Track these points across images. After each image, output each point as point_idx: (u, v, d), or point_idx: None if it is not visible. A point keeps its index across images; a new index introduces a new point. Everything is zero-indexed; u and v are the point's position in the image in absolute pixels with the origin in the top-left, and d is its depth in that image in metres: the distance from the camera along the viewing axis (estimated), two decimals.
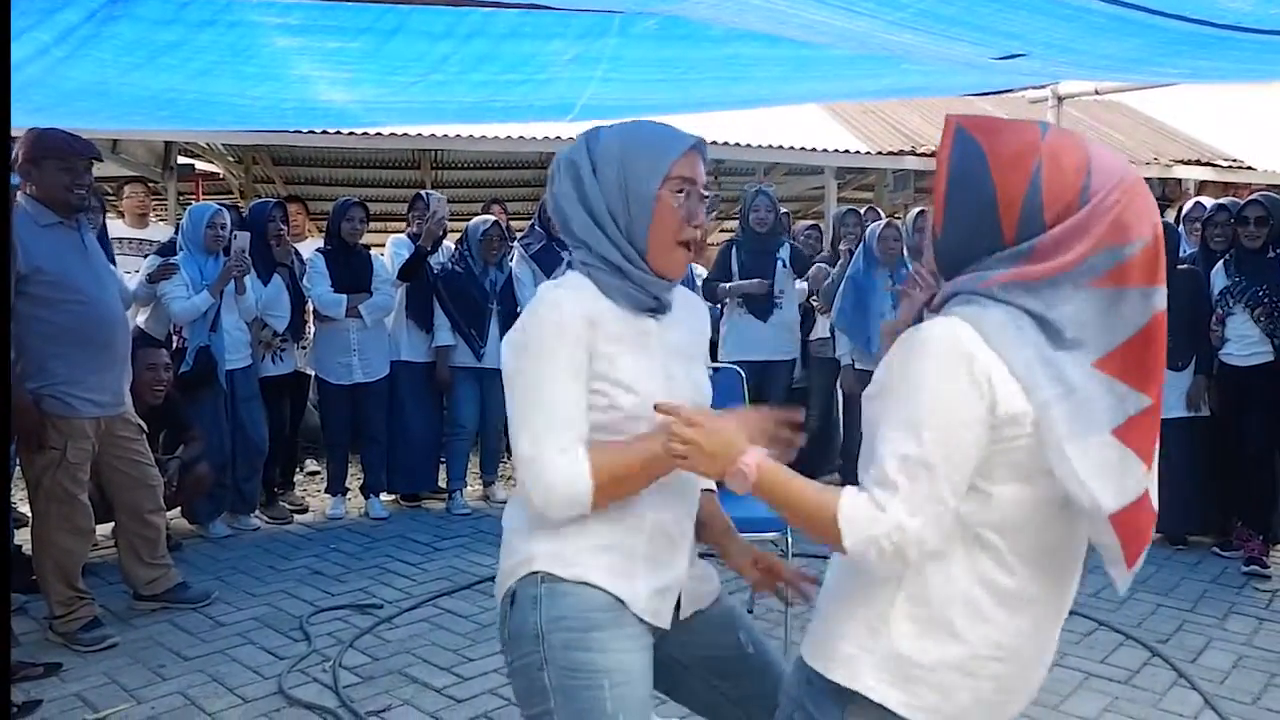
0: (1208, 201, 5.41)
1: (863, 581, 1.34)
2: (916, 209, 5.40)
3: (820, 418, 5.60)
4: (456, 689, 3.12)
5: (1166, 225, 4.68)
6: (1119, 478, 1.24)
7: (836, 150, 8.48)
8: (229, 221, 4.72)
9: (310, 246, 5.60)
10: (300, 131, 6.96)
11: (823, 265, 5.70)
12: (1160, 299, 1.26)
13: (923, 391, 1.24)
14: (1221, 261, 4.61)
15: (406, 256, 5.18)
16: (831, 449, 5.73)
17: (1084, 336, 1.23)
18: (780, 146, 8.37)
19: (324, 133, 7.10)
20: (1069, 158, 1.26)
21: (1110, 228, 1.23)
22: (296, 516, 5.22)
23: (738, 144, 8.17)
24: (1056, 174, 1.25)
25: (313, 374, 5.40)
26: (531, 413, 1.51)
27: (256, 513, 5.02)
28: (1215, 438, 4.56)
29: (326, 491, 5.39)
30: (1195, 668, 3.34)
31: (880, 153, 8.62)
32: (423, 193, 5.41)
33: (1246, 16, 2.80)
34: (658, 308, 1.59)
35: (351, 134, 7.36)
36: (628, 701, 1.52)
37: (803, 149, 8.41)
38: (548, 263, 5.30)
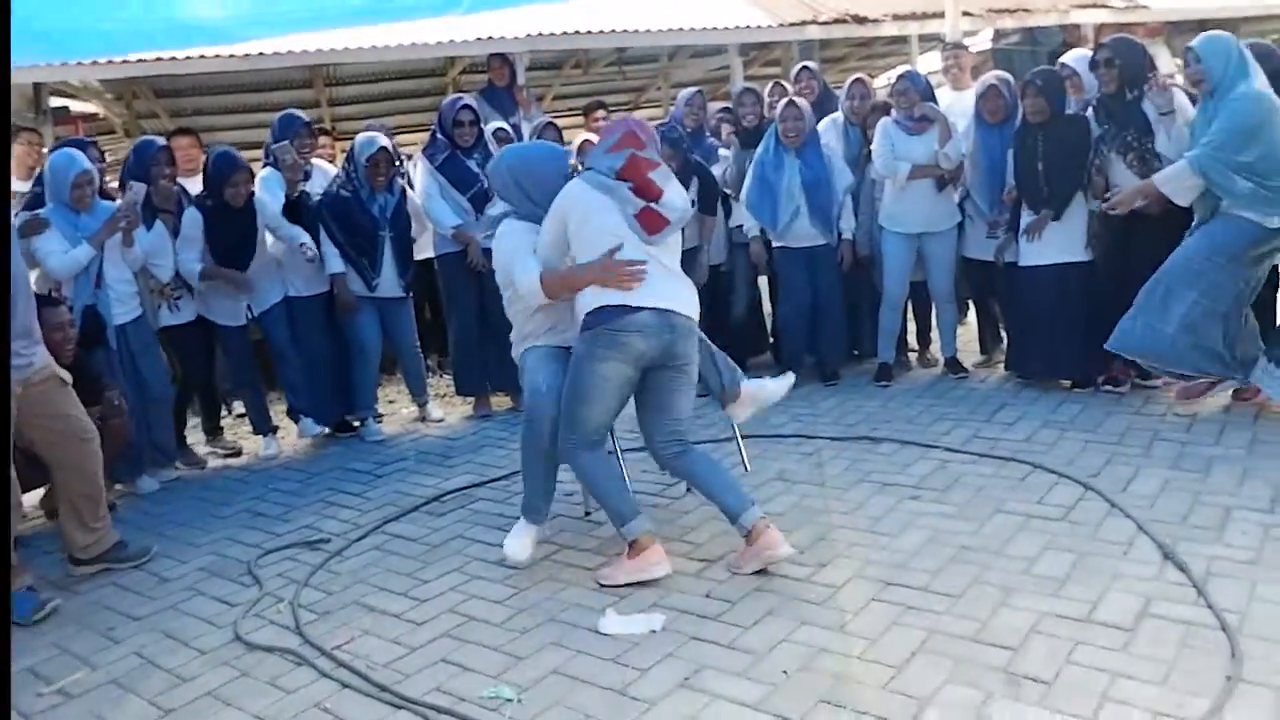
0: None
1: None
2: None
3: (746, 301, 5.59)
4: (415, 612, 3.11)
5: (1049, 74, 4.69)
6: None
7: (737, 27, 8.28)
8: (95, 176, 4.42)
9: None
10: (178, 58, 6.55)
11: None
12: None
13: None
14: (1090, 110, 4.63)
15: (277, 194, 4.91)
16: (762, 332, 5.76)
17: None
18: (679, 29, 8.14)
19: (204, 58, 6.69)
20: None
21: None
22: (231, 460, 5.11)
23: (636, 30, 7.92)
24: None
25: None
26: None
27: (176, 464, 4.89)
28: (1108, 280, 4.63)
29: (254, 433, 5.27)
30: (1126, 496, 3.47)
31: (781, 24, 8.45)
32: (276, 146, 4.99)
33: None
34: None
35: (234, 57, 6.94)
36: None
37: (703, 29, 8.19)
38: (453, 173, 5.11)
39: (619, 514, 3.21)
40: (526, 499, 3.45)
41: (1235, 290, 4.09)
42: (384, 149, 4.97)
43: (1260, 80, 3.98)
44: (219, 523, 4.15)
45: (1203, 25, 9.86)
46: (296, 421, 5.20)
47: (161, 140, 4.95)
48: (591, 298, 3.14)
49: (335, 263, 4.99)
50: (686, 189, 5.04)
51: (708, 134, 5.86)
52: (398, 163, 5.25)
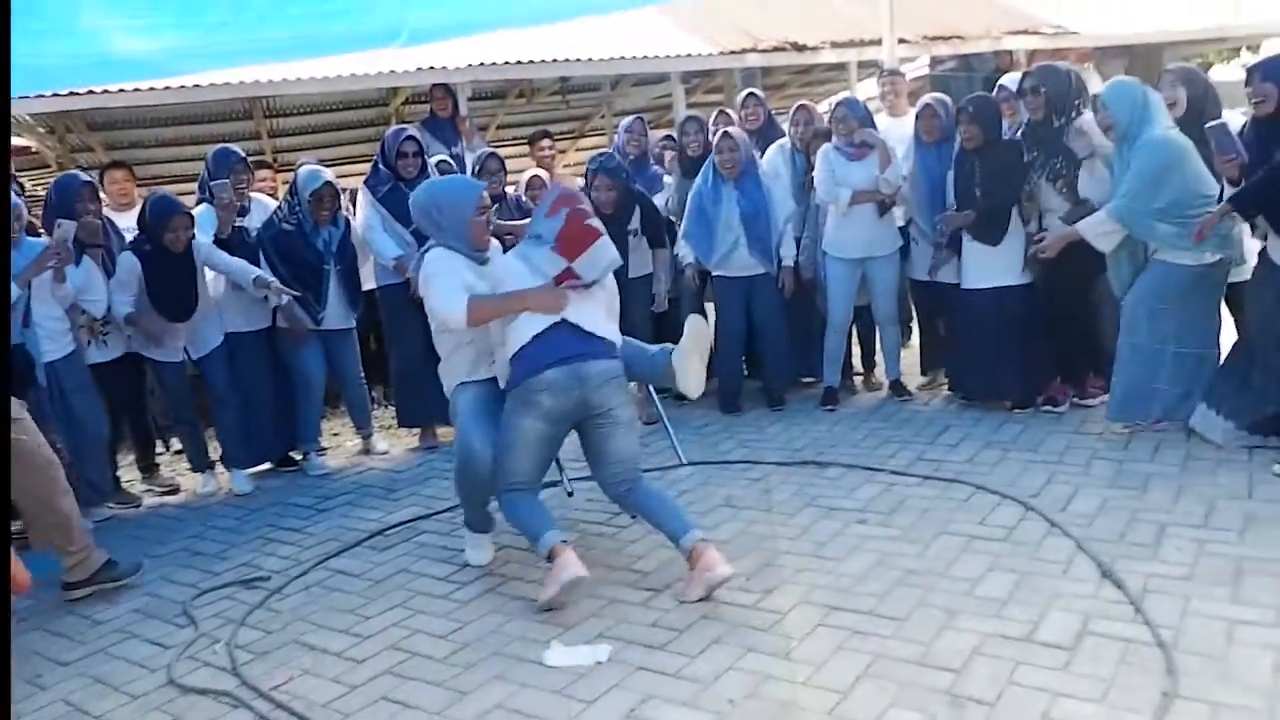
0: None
1: None
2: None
3: None
4: (356, 649, 3.05)
5: (982, 100, 4.80)
6: None
7: (679, 55, 8.36)
8: (23, 212, 4.29)
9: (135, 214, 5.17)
10: (111, 91, 6.43)
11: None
12: None
13: None
14: (1020, 135, 4.73)
15: (208, 231, 4.80)
16: (708, 359, 5.76)
17: None
18: (622, 57, 8.19)
19: (136, 90, 6.57)
20: None
21: None
22: (168, 498, 4.98)
23: (579, 59, 7.96)
24: None
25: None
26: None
27: (109, 503, 4.75)
28: (1043, 303, 4.72)
29: (192, 470, 5.14)
30: (1065, 515, 3.52)
31: (722, 52, 8.55)
32: (213, 184, 4.88)
33: None
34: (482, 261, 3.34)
35: (169, 89, 6.84)
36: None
37: (645, 57, 8.26)
38: (396, 205, 5.06)
39: (533, 535, 3.28)
40: (469, 519, 3.61)
41: (1213, 327, 4.19)
42: (328, 183, 4.92)
43: (1165, 122, 4.10)
44: (154, 562, 4.02)
45: (1129, 50, 10.20)
46: (229, 470, 5.05)
47: (84, 176, 4.84)
48: (509, 347, 3.32)
49: (249, 270, 4.82)
50: (628, 219, 5.09)
51: (651, 161, 5.90)
52: (339, 198, 5.17)
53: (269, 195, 5.79)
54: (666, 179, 5.74)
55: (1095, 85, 5.18)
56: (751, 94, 5.93)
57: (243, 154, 5.19)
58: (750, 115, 5.75)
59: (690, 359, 3.51)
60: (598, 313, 3.38)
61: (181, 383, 4.91)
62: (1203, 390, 4.14)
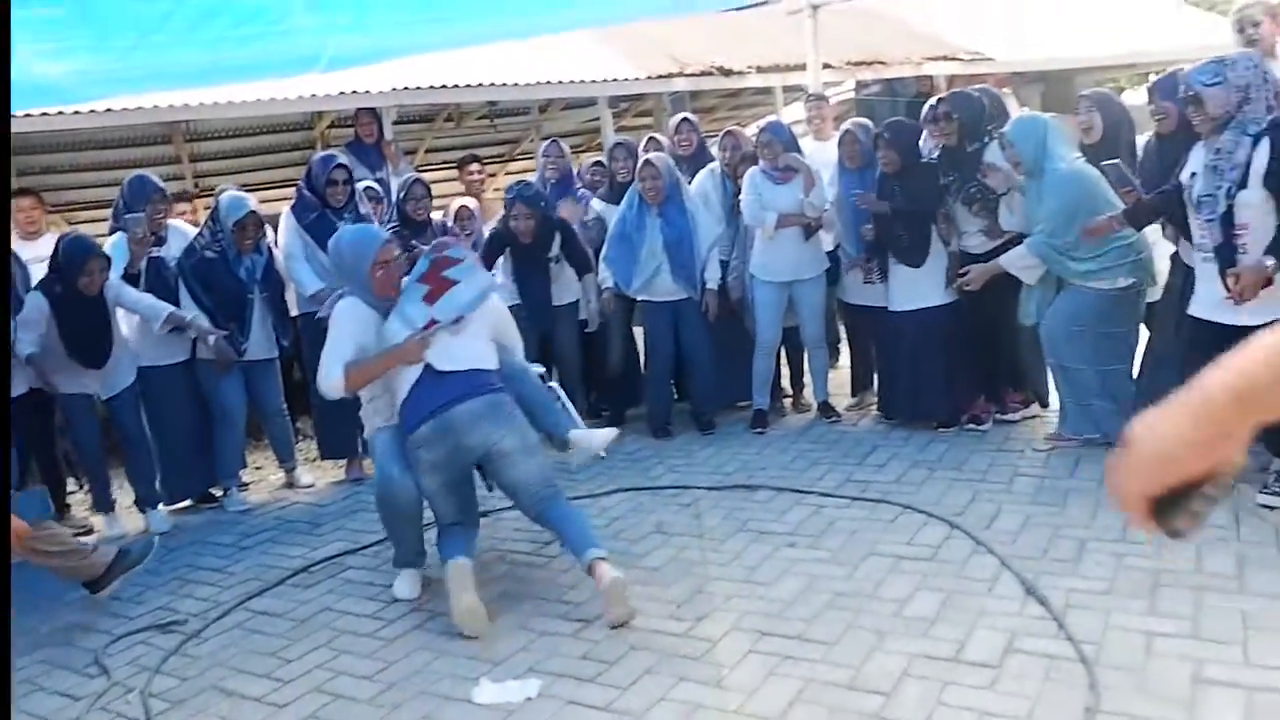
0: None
1: None
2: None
3: (621, 353, 5.59)
4: (278, 694, 2.95)
5: (898, 125, 4.90)
6: None
7: (606, 80, 8.39)
8: None
9: (46, 244, 5.00)
10: (18, 116, 6.22)
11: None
12: None
13: None
14: (935, 159, 4.84)
15: (118, 265, 4.63)
16: (639, 383, 5.76)
17: None
18: (549, 82, 8.20)
19: (45, 114, 6.37)
20: None
21: None
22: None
23: (505, 84, 7.94)
24: None
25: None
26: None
27: None
28: (966, 322, 4.81)
29: (95, 511, 4.95)
30: (990, 533, 3.58)
31: (649, 77, 8.60)
32: (128, 217, 4.71)
33: None
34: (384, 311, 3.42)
35: (79, 113, 6.65)
36: None
37: (571, 81, 8.27)
38: (322, 234, 4.95)
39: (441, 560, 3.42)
40: (397, 557, 3.61)
41: (1131, 346, 4.31)
42: (252, 212, 4.79)
43: (1069, 154, 4.23)
44: (64, 609, 3.86)
45: (1044, 76, 10.52)
46: (143, 513, 4.86)
47: None
48: (396, 402, 3.44)
49: (204, 322, 4.73)
50: (549, 246, 5.05)
51: (577, 184, 5.88)
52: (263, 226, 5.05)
53: (189, 224, 5.63)
54: (594, 204, 5.73)
55: (1013, 108, 5.33)
56: (685, 119, 5.95)
57: (160, 183, 5.02)
58: (683, 141, 5.78)
59: (577, 455, 3.72)
60: (471, 345, 3.46)
61: (88, 418, 4.71)
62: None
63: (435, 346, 3.39)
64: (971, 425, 4.84)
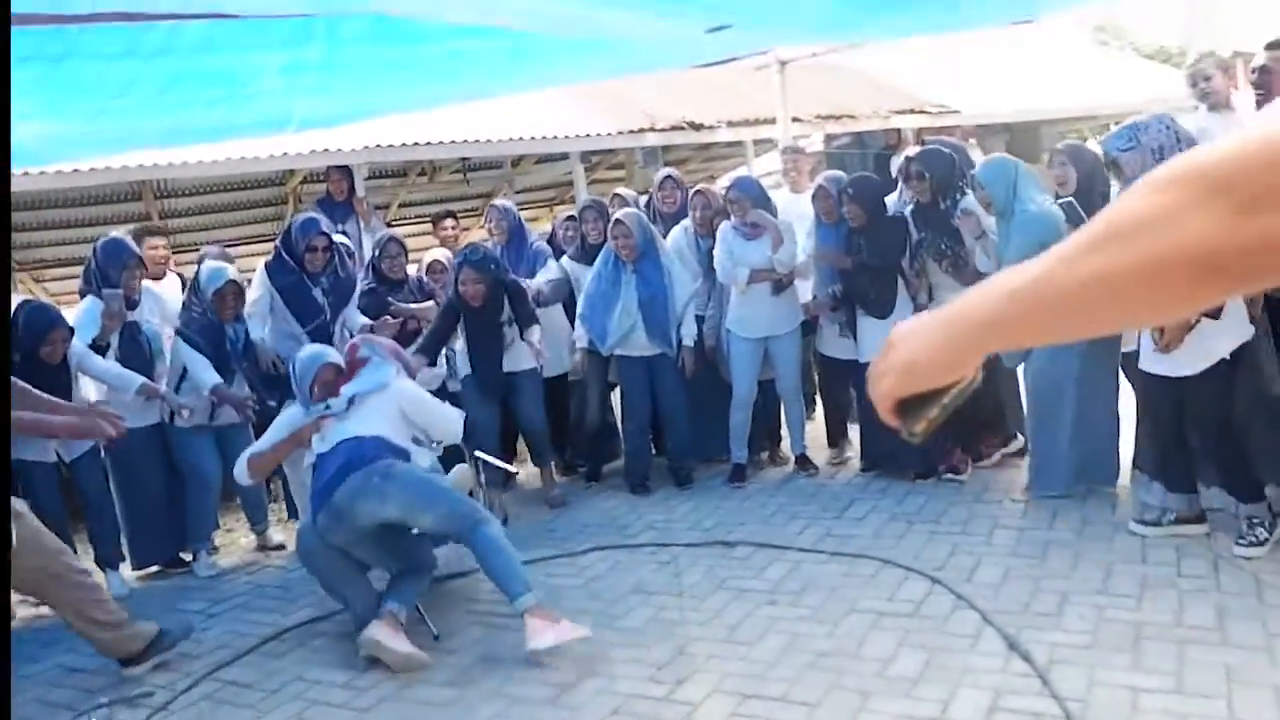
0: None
1: None
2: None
3: (598, 408, 5.55)
4: None
5: (862, 181, 4.96)
6: None
7: (578, 135, 8.47)
8: None
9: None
10: None
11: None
12: None
13: None
14: (909, 213, 4.90)
15: (90, 336, 4.53)
16: (615, 439, 5.72)
17: None
18: (521, 138, 8.26)
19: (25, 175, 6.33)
20: None
21: None
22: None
23: (478, 140, 8.00)
24: None
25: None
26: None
27: None
28: None
29: None
30: (971, 587, 3.55)
31: (620, 132, 8.69)
32: (106, 292, 4.57)
33: None
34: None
35: (44, 173, 6.60)
36: None
37: (544, 137, 8.34)
38: (298, 300, 4.93)
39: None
40: (355, 618, 3.62)
41: (1112, 390, 4.32)
42: (232, 281, 4.74)
43: (1039, 197, 4.29)
44: (25, 683, 3.73)
45: (1009, 127, 10.72)
46: (104, 571, 4.71)
47: None
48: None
49: (210, 375, 4.63)
50: (499, 310, 4.97)
51: (530, 242, 5.80)
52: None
53: (160, 263, 5.52)
54: (564, 262, 5.69)
55: (978, 159, 5.40)
56: (669, 177, 5.99)
57: (135, 249, 4.90)
58: (667, 197, 5.81)
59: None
60: (357, 426, 3.68)
61: (46, 482, 4.55)
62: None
63: (324, 431, 3.71)
64: (950, 475, 4.84)
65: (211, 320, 4.73)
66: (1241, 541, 3.52)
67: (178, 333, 4.79)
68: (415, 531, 3.74)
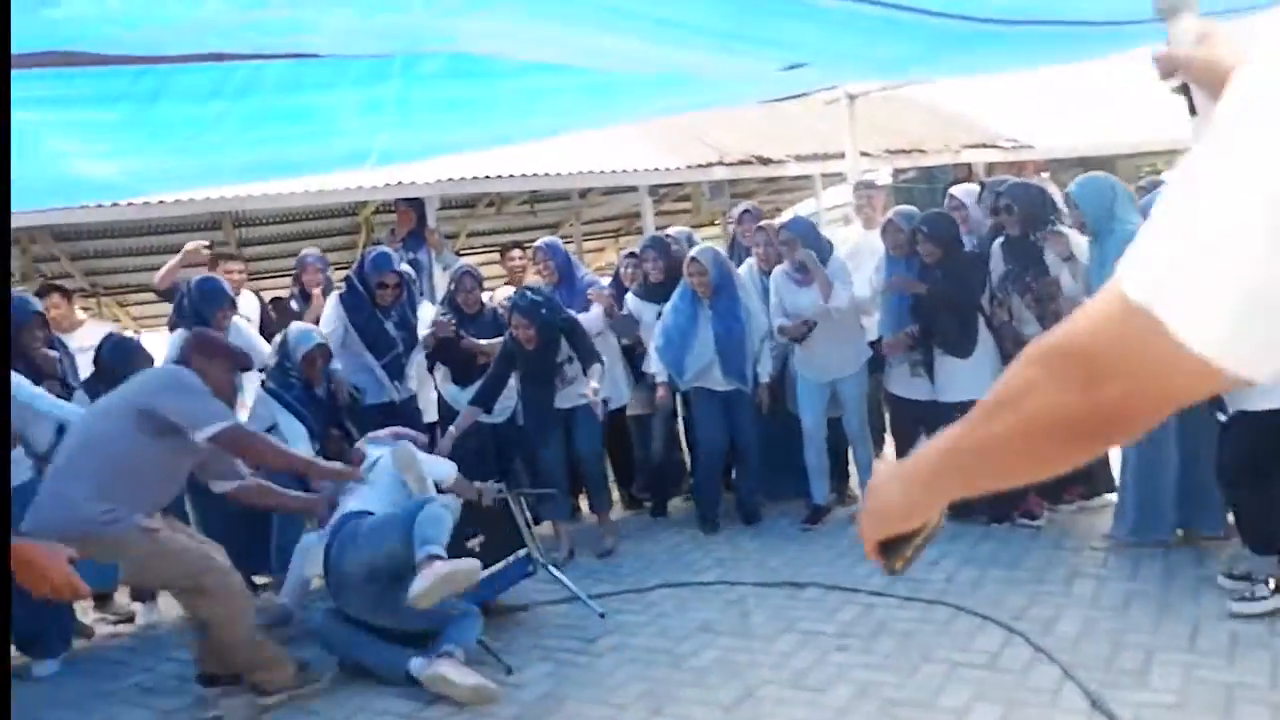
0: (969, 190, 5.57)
1: None
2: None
3: (664, 441, 5.53)
4: None
5: (936, 218, 4.88)
6: None
7: (646, 170, 8.51)
8: None
9: (89, 334, 5.05)
10: (72, 208, 6.43)
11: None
12: None
13: None
14: (997, 246, 4.80)
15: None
16: (681, 470, 5.69)
17: None
18: (588, 171, 8.32)
19: (100, 205, 6.56)
20: None
21: None
22: (123, 626, 4.76)
23: (546, 174, 8.08)
24: None
25: None
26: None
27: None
28: None
29: (132, 599, 4.92)
30: (1050, 639, 3.42)
31: (689, 166, 8.71)
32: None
33: (1000, 9, 2.91)
34: None
35: (131, 204, 6.83)
36: None
37: (612, 171, 8.40)
38: (370, 335, 4.99)
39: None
40: (385, 672, 3.61)
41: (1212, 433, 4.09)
42: (320, 344, 4.69)
43: (1137, 221, 4.15)
44: (102, 701, 3.81)
45: (1083, 162, 10.52)
46: (142, 603, 4.81)
47: (35, 304, 4.48)
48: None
49: (305, 445, 4.48)
50: (555, 351, 4.93)
51: (580, 276, 5.75)
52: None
53: (235, 286, 5.61)
54: (628, 300, 5.64)
55: (1055, 195, 5.29)
56: (747, 211, 6.01)
57: (229, 290, 4.96)
58: (747, 231, 5.81)
59: (428, 583, 3.38)
60: (362, 500, 3.81)
61: None
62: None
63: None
64: (1024, 520, 4.71)
65: (303, 381, 4.65)
66: (1242, 599, 3.40)
67: (273, 394, 4.66)
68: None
